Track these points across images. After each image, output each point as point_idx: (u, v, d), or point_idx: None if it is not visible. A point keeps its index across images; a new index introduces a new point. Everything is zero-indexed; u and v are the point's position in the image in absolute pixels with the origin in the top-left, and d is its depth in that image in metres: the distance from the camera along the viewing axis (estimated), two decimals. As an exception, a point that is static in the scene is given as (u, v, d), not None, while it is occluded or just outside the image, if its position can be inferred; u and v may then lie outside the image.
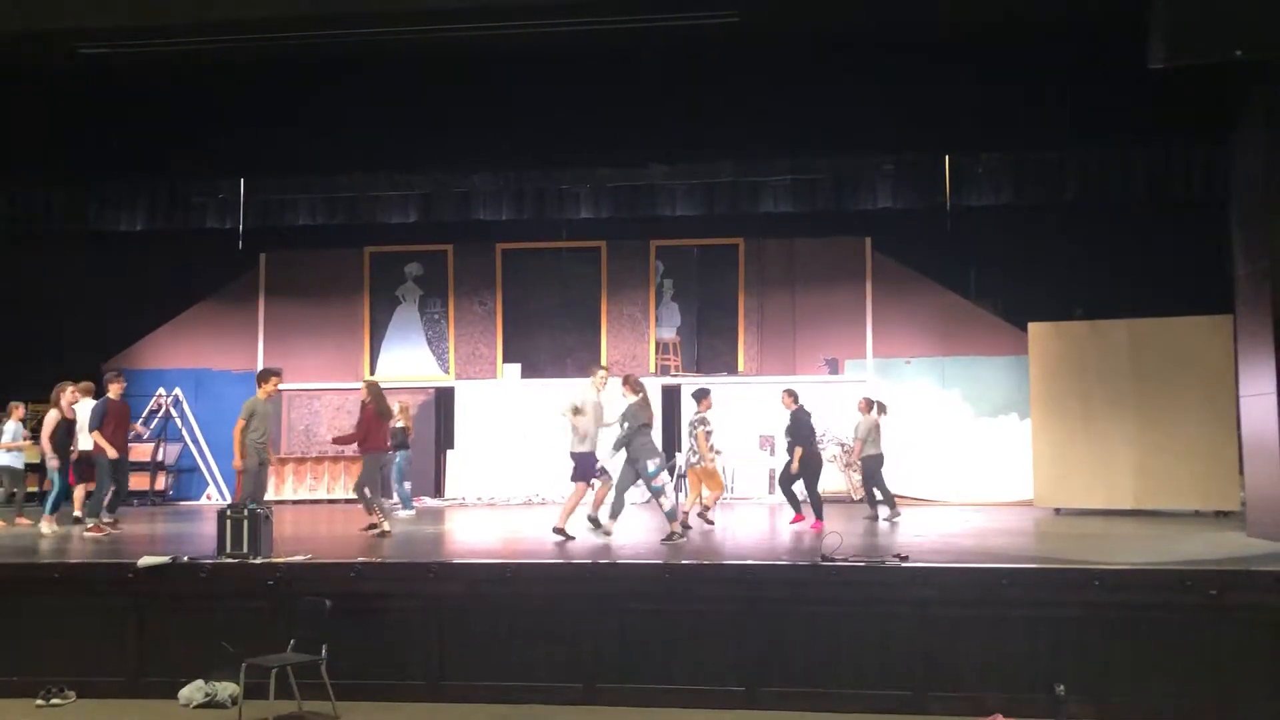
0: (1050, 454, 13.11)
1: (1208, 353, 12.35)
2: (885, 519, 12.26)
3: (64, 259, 15.94)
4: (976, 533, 11.00)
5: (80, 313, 16.08)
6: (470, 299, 16.96)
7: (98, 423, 11.26)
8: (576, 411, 10.53)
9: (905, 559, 8.16)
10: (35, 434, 12.96)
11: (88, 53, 10.17)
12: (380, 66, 11.45)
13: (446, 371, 16.94)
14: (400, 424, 13.76)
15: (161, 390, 16.74)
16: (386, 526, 11.05)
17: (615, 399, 10.84)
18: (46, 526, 11.41)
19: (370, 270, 17.14)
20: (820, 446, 12.74)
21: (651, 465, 10.26)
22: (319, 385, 16.69)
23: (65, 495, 11.90)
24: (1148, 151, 12.55)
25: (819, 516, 11.33)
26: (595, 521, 10.49)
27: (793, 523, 11.77)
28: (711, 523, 11.63)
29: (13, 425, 13.06)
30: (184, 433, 16.75)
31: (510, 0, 9.75)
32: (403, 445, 13.99)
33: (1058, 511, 13.08)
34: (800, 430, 11.78)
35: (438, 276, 17.07)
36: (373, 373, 16.71)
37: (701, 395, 11.95)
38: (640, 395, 10.56)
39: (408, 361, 16.99)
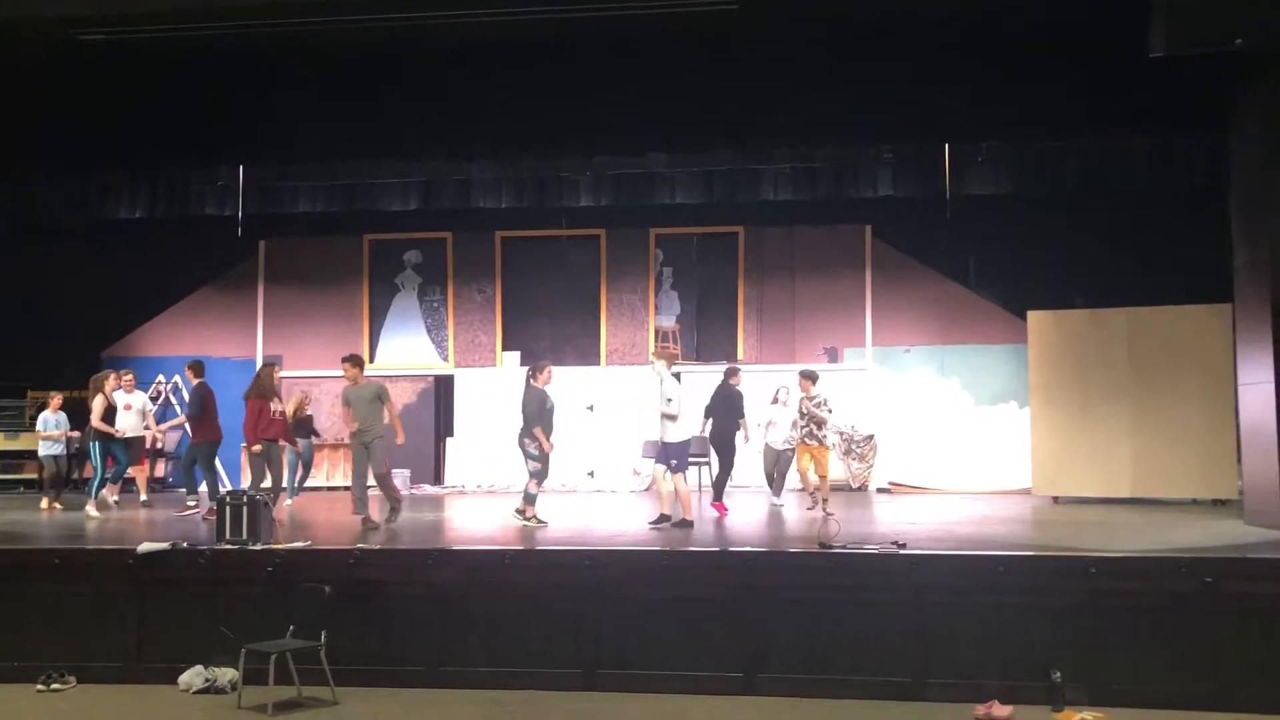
0: (1049, 442, 13.12)
1: (1206, 341, 12.35)
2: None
3: (63, 247, 15.92)
4: (974, 520, 11.02)
5: (80, 301, 16.07)
6: (469, 287, 16.95)
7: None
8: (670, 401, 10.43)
9: (903, 546, 8.19)
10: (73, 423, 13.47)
11: (85, 39, 10.13)
12: (379, 53, 11.44)
13: (446, 359, 16.94)
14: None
15: (161, 377, 16.73)
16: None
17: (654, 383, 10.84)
18: (92, 509, 11.62)
19: (369, 258, 17.12)
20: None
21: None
22: (318, 373, 16.68)
23: (117, 478, 12.37)
24: (1147, 140, 12.53)
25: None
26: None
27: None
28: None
29: (48, 415, 13.21)
30: (183, 419, 16.73)
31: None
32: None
33: (1056, 500, 13.09)
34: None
35: (437, 264, 17.06)
36: (372, 360, 16.71)
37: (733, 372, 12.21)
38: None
39: (407, 349, 16.99)
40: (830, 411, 11.88)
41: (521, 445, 10.51)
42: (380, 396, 10.71)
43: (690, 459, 14.88)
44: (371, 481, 10.77)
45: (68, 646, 8.36)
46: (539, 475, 10.48)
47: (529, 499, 10.48)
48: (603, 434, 15.60)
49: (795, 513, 11.80)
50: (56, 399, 13.54)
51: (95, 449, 12.19)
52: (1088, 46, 10.64)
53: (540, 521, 10.41)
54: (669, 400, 10.35)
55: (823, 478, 11.73)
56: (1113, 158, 12.90)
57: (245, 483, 13.02)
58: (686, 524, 10.18)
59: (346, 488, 12.96)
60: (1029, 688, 7.44)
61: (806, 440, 11.85)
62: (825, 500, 11.58)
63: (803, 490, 12.40)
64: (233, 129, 12.28)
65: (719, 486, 11.81)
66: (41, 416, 13.42)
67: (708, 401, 12.16)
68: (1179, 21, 8.15)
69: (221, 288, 17.18)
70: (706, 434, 12.11)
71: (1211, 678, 7.35)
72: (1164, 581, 7.49)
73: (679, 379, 11.25)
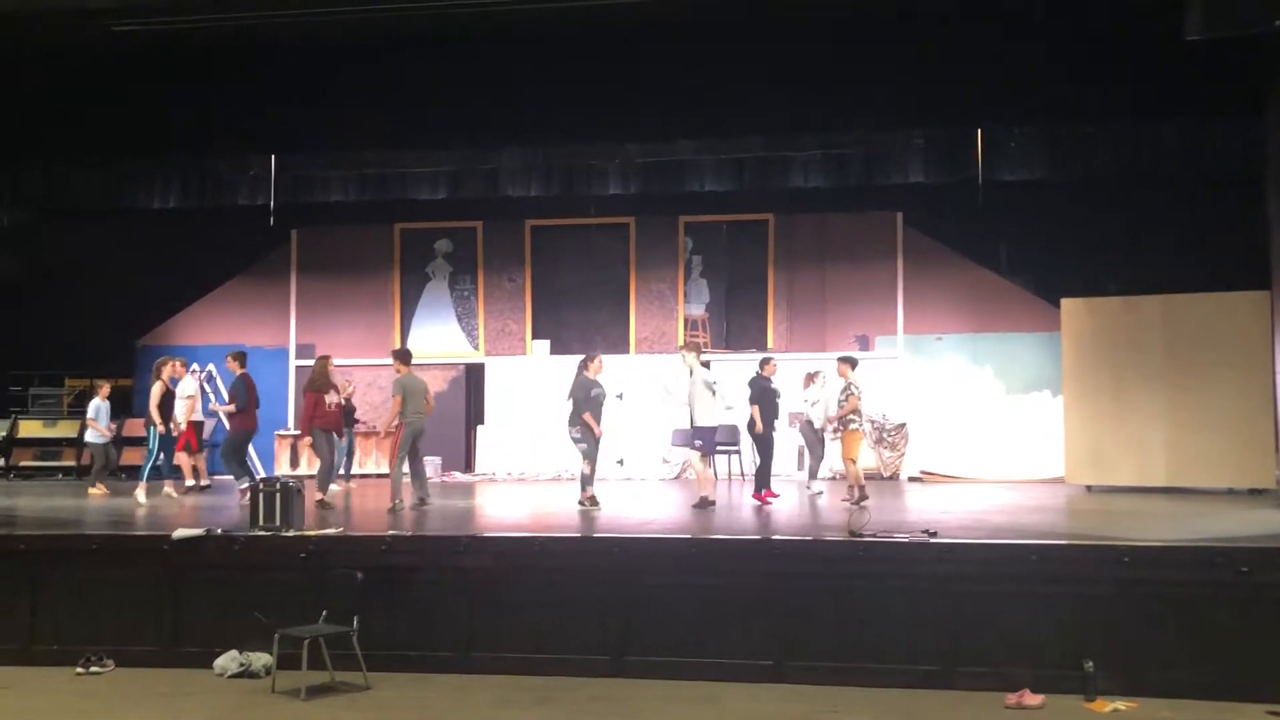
0: (1082, 430, 13.01)
1: (1244, 329, 12.18)
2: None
3: (97, 236, 16.11)
4: (1007, 509, 10.95)
5: (114, 290, 16.25)
6: (499, 275, 17.00)
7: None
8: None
9: (934, 535, 8.14)
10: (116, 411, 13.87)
11: (121, 30, 10.23)
12: (409, 43, 11.48)
13: (476, 348, 17.01)
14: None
15: (195, 366, 16.90)
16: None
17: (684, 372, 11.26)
18: (142, 494, 11.83)
19: (400, 247, 17.21)
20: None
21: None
22: (350, 361, 16.77)
23: (162, 464, 12.57)
24: (1182, 124, 12.38)
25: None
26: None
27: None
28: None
29: (98, 403, 13.45)
30: (218, 408, 16.90)
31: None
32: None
33: (1089, 488, 12.99)
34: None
35: (467, 253, 17.12)
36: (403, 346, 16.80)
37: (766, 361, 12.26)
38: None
39: (438, 338, 17.08)
40: (848, 397, 11.74)
41: (570, 432, 10.91)
42: (427, 390, 11.30)
43: (721, 447, 15.11)
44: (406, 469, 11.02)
45: (106, 631, 8.47)
46: (590, 456, 10.84)
47: (583, 482, 10.86)
48: (632, 422, 15.60)
49: (828, 500, 11.75)
50: (105, 386, 13.79)
51: (153, 433, 12.35)
52: (1121, 30, 10.51)
53: (596, 504, 10.71)
54: (713, 384, 10.94)
55: (851, 461, 11.68)
56: (1146, 142, 12.76)
57: (283, 470, 13.22)
58: (709, 503, 10.62)
59: (383, 475, 13.13)
60: (1061, 677, 7.38)
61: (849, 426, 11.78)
62: (860, 487, 11.42)
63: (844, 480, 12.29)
64: (264, 119, 12.37)
65: (761, 477, 11.73)
66: (92, 404, 13.64)
67: (748, 393, 12.11)
68: (1216, 4, 8.03)
69: (255, 277, 17.33)
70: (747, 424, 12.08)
71: (1245, 669, 7.26)
72: (1198, 571, 7.40)
73: (708, 367, 11.40)
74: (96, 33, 10.66)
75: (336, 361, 16.41)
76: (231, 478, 12.12)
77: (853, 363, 11.93)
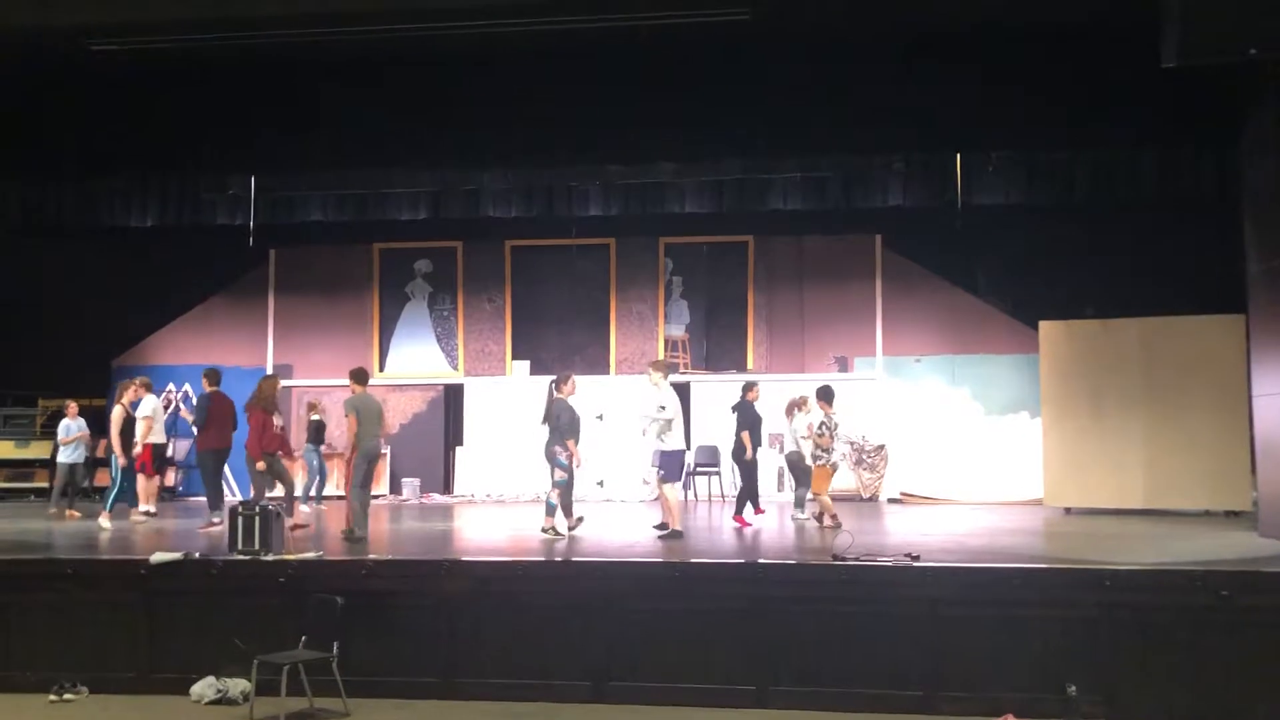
0: (1060, 453, 13.08)
1: (1219, 352, 12.31)
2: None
3: (75, 254, 15.96)
4: (986, 532, 10.99)
5: (91, 308, 16.10)
6: (479, 296, 16.97)
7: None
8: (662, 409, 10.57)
9: (916, 558, 8.15)
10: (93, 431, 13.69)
11: (99, 49, 10.17)
12: (390, 64, 11.46)
13: (455, 368, 16.96)
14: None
15: (171, 386, 16.79)
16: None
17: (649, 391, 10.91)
18: (105, 521, 11.61)
19: (380, 267, 17.16)
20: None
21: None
22: (328, 382, 16.69)
23: (126, 491, 12.30)
24: (1159, 150, 12.49)
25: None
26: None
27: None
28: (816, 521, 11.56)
29: (68, 423, 13.33)
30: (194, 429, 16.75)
31: (519, -3, 9.73)
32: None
33: (1068, 510, 13.05)
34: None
35: (447, 273, 17.08)
36: (382, 369, 16.74)
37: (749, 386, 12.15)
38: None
39: (417, 358, 17.02)
40: (821, 435, 11.72)
41: (550, 455, 10.55)
42: (381, 412, 11.01)
43: (701, 469, 15.09)
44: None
45: (80, 657, 8.37)
46: (563, 485, 10.48)
47: (550, 510, 10.47)
48: (612, 443, 15.57)
49: (810, 525, 11.71)
50: (74, 406, 13.66)
51: (115, 464, 12.19)
52: (1097, 57, 10.62)
53: (559, 533, 10.36)
54: (662, 408, 10.50)
55: (818, 495, 11.65)
56: (1122, 167, 12.83)
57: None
58: (675, 534, 10.27)
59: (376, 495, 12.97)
60: (1043, 701, 7.40)
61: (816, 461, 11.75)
62: (832, 516, 11.38)
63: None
64: (243, 138, 12.30)
65: (741, 501, 11.73)
66: (62, 424, 13.53)
67: (734, 418, 12.06)
68: (1192, 32, 8.12)
69: (232, 296, 17.22)
70: (732, 450, 12.04)
71: (1228, 692, 7.31)
72: (1179, 595, 7.45)
73: (676, 389, 11.29)
74: (74, 52, 10.59)
75: (313, 382, 16.44)
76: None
77: (829, 397, 11.90)
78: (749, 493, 11.81)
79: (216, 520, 11.27)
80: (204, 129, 12.07)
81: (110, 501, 11.99)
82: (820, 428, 11.62)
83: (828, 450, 11.64)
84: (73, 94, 11.87)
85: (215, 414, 11.93)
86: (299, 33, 10.27)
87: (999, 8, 10.24)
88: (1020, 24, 10.48)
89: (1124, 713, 7.33)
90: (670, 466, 10.62)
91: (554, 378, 11.03)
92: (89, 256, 15.97)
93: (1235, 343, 12.11)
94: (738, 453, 11.84)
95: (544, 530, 10.38)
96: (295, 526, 10.85)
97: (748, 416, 11.84)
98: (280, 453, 11.57)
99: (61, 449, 13.43)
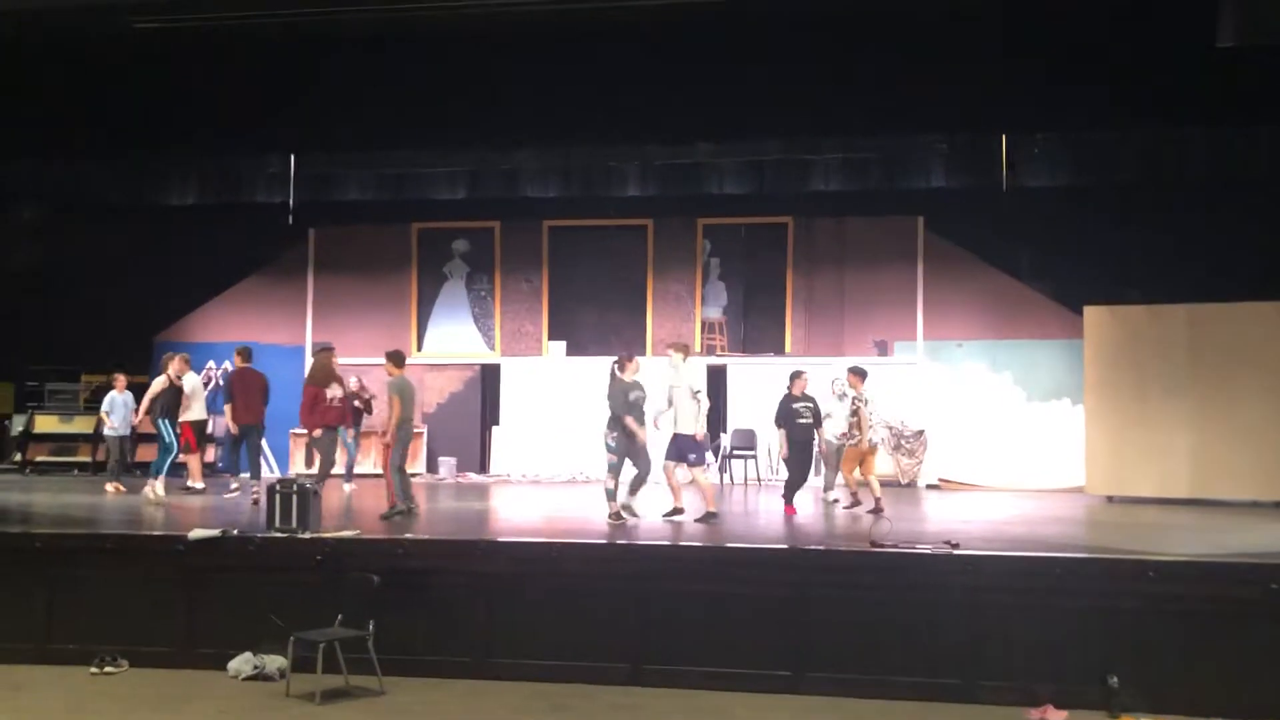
0: (1104, 440, 12.87)
1: (1271, 339, 12.06)
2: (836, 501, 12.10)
3: (114, 231, 16.07)
4: (1027, 519, 10.84)
5: (132, 286, 16.22)
6: (516, 276, 16.94)
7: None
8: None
9: (956, 546, 8.04)
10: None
11: (142, 27, 10.19)
12: (429, 42, 11.40)
13: (492, 348, 16.96)
14: None
15: (211, 363, 16.91)
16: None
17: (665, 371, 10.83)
18: (159, 487, 11.81)
19: (418, 246, 17.17)
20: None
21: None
22: (366, 360, 16.72)
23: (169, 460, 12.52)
24: (1209, 131, 12.23)
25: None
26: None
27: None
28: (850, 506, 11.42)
29: (114, 396, 13.41)
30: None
31: (561, -25, 9.65)
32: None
33: (1110, 499, 12.85)
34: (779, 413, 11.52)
35: (484, 253, 17.06)
36: (419, 349, 16.78)
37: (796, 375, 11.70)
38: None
39: (454, 338, 17.03)
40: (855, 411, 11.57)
41: (605, 437, 10.30)
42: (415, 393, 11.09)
43: (737, 452, 15.01)
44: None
45: (121, 631, 8.44)
46: (613, 469, 10.16)
47: (609, 496, 10.13)
48: (650, 424, 15.47)
49: (846, 510, 11.61)
50: (121, 379, 13.66)
51: (165, 426, 12.31)
52: (1148, 35, 10.35)
53: (624, 517, 10.01)
54: (698, 392, 10.44)
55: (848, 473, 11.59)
56: (1171, 149, 12.63)
57: (300, 469, 13.11)
58: (711, 516, 10.13)
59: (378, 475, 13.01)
60: (1084, 692, 7.27)
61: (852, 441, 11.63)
62: (868, 500, 11.29)
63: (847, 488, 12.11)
64: (284, 117, 12.32)
65: (790, 488, 11.31)
66: (108, 397, 13.58)
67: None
68: (1252, 11, 7.90)
69: (272, 275, 17.30)
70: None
71: (1273, 687, 7.15)
72: (1226, 587, 7.30)
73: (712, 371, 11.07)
74: (117, 29, 10.61)
75: (351, 360, 16.47)
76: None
77: (862, 374, 11.74)
78: (795, 483, 11.44)
79: (254, 490, 11.49)
80: (244, 107, 12.08)
81: (163, 469, 12.17)
82: (853, 404, 11.49)
83: (859, 429, 11.48)
84: (113, 73, 11.90)
85: (238, 389, 12.19)
86: (338, 10, 10.22)
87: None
88: (1067, 1, 10.25)
89: (1167, 706, 7.18)
90: (696, 450, 10.45)
91: (615, 359, 10.70)
92: (130, 234, 16.08)
93: (1287, 330, 11.89)
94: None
95: (610, 519, 9.95)
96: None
97: (781, 414, 11.58)
98: (342, 425, 11.69)
99: (111, 421, 13.44)
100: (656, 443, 10.77)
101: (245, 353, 12.52)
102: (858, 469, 11.69)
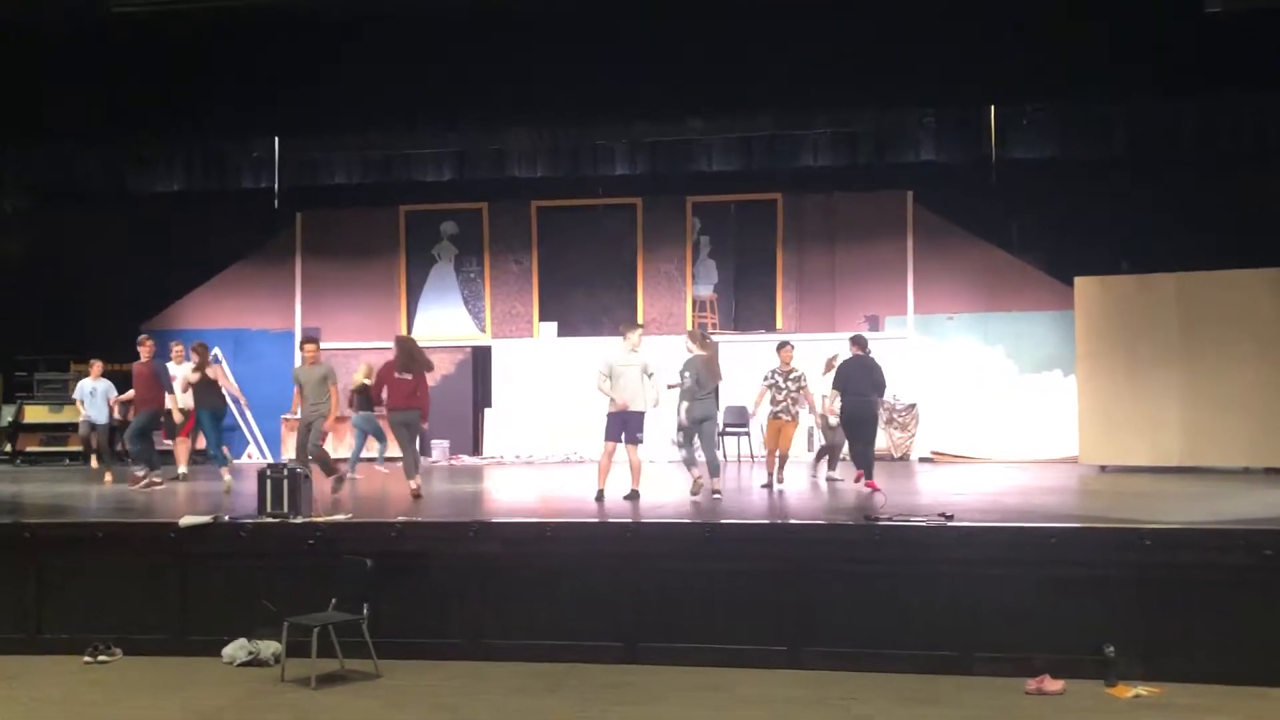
0: (1096, 410, 12.88)
1: (1260, 307, 12.07)
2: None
3: (101, 219, 16.00)
4: (1021, 490, 10.85)
5: (118, 273, 16.13)
6: (506, 257, 16.87)
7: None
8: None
9: (951, 518, 8.03)
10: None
11: (122, 10, 10.08)
12: (413, 23, 11.29)
13: (483, 330, 16.90)
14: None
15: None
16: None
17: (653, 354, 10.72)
18: (228, 475, 11.82)
19: (406, 229, 17.08)
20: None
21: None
22: (356, 345, 16.67)
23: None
24: (1199, 100, 12.18)
25: (868, 475, 10.93)
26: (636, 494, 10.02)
27: (856, 480, 10.97)
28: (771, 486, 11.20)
29: (88, 383, 13.27)
30: (224, 392, 16.80)
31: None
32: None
33: (1103, 469, 12.88)
34: (837, 378, 11.28)
35: (473, 235, 16.99)
36: (409, 331, 16.70)
37: (781, 346, 11.59)
38: (709, 351, 10.56)
39: (444, 320, 16.97)
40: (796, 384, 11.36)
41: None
42: (329, 378, 11.22)
43: (730, 429, 14.99)
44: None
45: (114, 619, 8.41)
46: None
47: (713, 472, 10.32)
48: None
49: (844, 485, 11.50)
50: (97, 366, 13.55)
51: (207, 419, 12.19)
52: (1135, 4, 10.30)
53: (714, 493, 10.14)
54: (649, 371, 10.24)
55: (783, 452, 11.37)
56: (1162, 118, 12.57)
57: (289, 455, 13.04)
58: (634, 495, 9.89)
59: (394, 459, 12.97)
60: (1081, 662, 7.29)
61: (782, 415, 11.30)
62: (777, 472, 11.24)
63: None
64: (267, 100, 12.21)
65: (866, 464, 10.89)
66: (80, 384, 13.46)
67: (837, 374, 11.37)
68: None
69: (260, 260, 17.21)
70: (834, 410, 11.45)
71: (1269, 653, 7.17)
72: (1220, 554, 7.30)
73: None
74: (95, 15, 10.49)
75: (338, 345, 16.38)
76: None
77: (861, 343, 11.41)
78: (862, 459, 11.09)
79: (157, 480, 11.67)
80: (227, 92, 11.98)
81: (226, 455, 12.29)
82: (771, 378, 11.31)
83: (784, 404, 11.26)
84: (95, 59, 11.77)
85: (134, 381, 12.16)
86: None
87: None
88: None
89: (1163, 674, 7.20)
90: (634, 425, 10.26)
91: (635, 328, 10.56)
92: (116, 221, 16.00)
93: (1276, 297, 11.88)
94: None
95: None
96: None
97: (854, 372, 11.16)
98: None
99: (85, 409, 13.41)
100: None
101: (201, 349, 12.28)
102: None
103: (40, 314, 16.06)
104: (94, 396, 13.45)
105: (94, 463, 13.83)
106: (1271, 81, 10.44)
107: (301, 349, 11.40)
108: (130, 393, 12.57)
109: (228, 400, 12.40)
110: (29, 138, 12.94)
